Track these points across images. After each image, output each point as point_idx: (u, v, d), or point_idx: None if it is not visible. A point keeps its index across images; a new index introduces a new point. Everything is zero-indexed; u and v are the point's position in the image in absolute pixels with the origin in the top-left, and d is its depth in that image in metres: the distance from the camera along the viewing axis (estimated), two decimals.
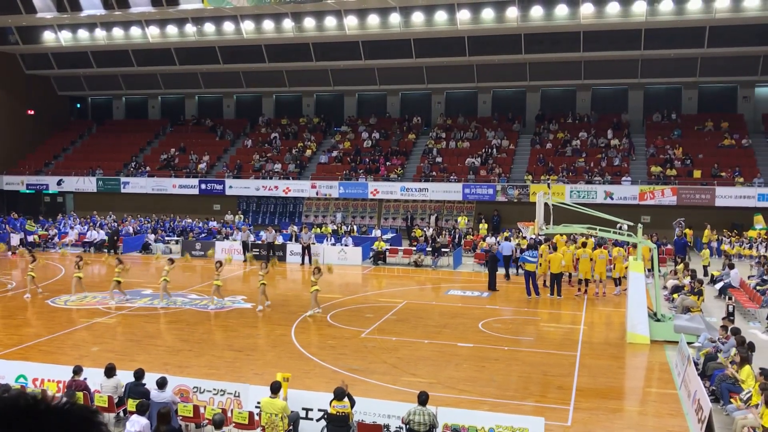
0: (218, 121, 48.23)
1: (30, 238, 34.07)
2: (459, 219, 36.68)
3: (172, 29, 40.98)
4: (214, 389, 11.86)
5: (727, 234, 31.10)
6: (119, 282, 21.52)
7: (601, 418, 12.20)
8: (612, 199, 34.42)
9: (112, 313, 20.19)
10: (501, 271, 25.77)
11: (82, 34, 42.39)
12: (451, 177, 38.07)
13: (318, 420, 10.98)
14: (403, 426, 10.23)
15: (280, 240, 31.29)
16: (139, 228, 36.28)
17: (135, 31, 41.50)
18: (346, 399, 10.47)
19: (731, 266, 23.10)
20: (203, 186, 41.29)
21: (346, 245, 30.66)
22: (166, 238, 34.49)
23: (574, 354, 16.18)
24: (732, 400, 11.95)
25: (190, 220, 37.75)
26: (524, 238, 28.03)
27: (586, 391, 13.57)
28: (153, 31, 41.28)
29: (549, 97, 43.04)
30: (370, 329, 18.34)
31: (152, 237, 33.90)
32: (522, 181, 37.08)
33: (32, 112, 47.58)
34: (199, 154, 44.18)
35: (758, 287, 21.10)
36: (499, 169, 37.99)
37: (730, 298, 20.62)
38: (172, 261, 22.10)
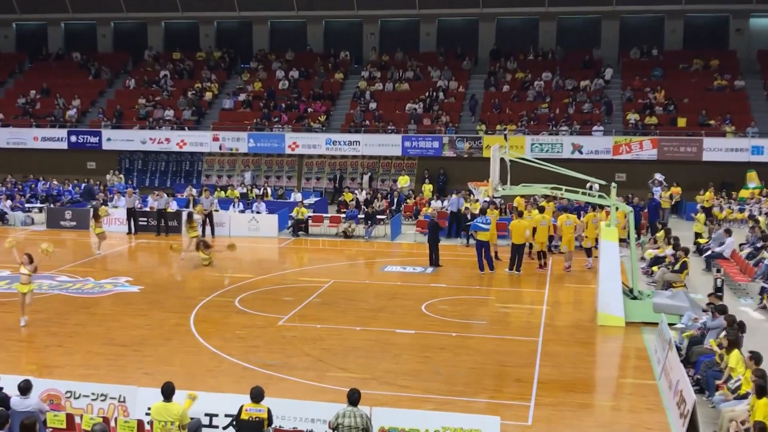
0: (92, 56, 46.86)
1: None
2: (399, 179, 36.81)
3: None
4: (93, 393, 11.69)
5: (716, 195, 32.06)
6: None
7: (568, 415, 12.60)
8: (581, 153, 35.16)
9: None
10: (451, 242, 25.96)
11: None
12: (389, 127, 38.10)
13: (225, 427, 10.96)
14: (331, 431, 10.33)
15: (173, 206, 30.75)
16: None
17: None
18: (264, 402, 10.46)
19: (728, 232, 23.85)
20: (73, 138, 40.16)
21: (258, 212, 30.41)
22: (27, 206, 33.49)
23: (536, 340, 16.58)
24: (719, 388, 12.49)
25: (56, 183, 36.71)
26: (476, 201, 28.41)
27: (550, 383, 13.96)
28: None
29: (506, 28, 43.33)
30: (288, 315, 18.36)
31: (9, 204, 32.85)
32: (474, 132, 37.43)
33: None
34: (67, 97, 42.86)
35: (750, 258, 21.92)
36: (446, 118, 38.22)
37: (718, 271, 21.43)
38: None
